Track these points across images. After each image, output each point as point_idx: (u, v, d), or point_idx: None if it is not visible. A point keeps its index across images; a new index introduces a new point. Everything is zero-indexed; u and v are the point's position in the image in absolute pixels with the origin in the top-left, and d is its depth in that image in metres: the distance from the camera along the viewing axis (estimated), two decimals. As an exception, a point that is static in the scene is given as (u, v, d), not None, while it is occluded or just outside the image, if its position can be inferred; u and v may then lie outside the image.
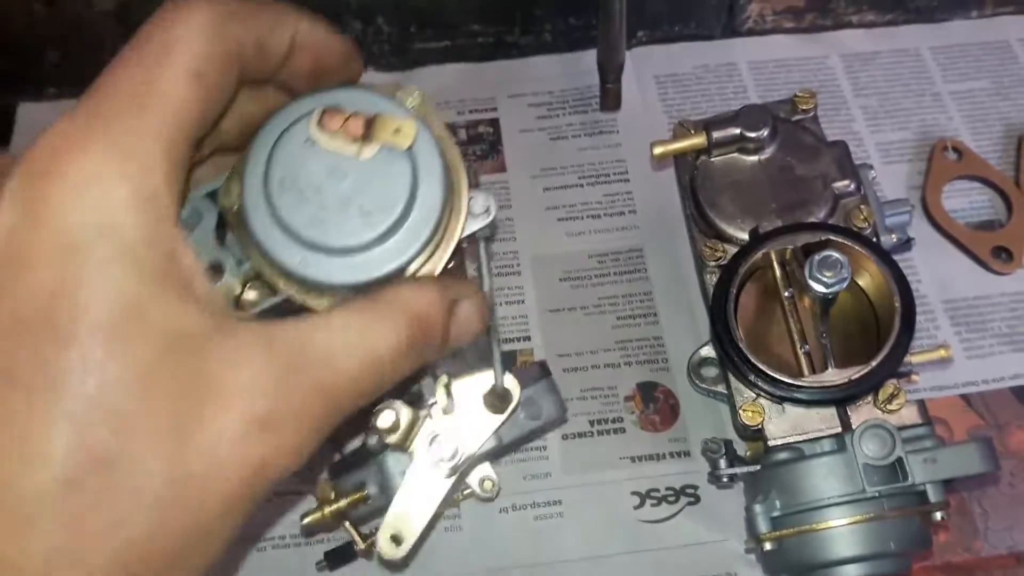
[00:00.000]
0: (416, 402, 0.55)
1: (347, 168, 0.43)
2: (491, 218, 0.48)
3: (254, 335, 0.36)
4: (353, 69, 0.46)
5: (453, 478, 0.54)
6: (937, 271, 0.79)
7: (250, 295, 0.46)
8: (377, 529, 0.59)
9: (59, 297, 0.32)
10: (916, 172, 0.84)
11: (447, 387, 0.54)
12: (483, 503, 0.68)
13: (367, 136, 0.43)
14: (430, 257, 0.45)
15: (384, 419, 0.50)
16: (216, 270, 0.46)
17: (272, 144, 0.44)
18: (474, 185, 0.49)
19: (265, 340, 0.36)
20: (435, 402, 0.54)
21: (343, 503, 0.57)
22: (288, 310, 0.46)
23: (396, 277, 0.45)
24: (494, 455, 0.62)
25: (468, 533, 0.69)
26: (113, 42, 0.85)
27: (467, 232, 0.47)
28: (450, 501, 0.65)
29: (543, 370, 0.60)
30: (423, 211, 0.44)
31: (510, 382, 0.54)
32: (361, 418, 0.58)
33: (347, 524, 0.60)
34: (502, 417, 0.54)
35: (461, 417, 0.54)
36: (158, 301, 0.34)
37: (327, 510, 0.58)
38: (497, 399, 0.54)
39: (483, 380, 0.54)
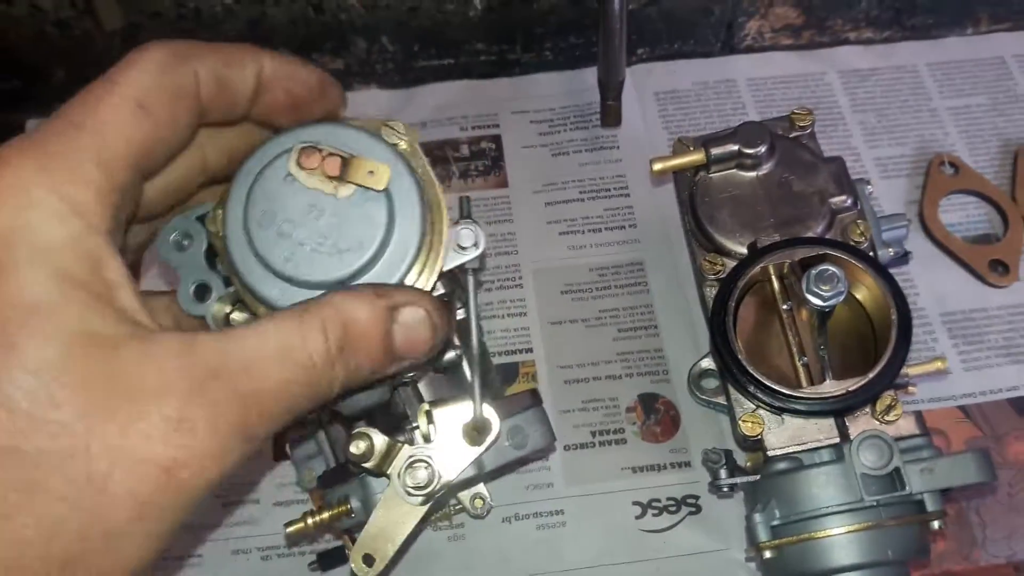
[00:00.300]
0: (399, 425, 0.56)
1: (324, 206, 0.45)
2: (479, 251, 0.49)
3: (173, 341, 0.36)
4: (331, 99, 0.47)
5: (427, 505, 0.54)
6: (935, 284, 0.80)
7: (237, 316, 0.48)
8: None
9: None
10: (914, 187, 0.85)
11: (428, 413, 0.54)
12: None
13: (343, 176, 0.45)
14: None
15: (356, 446, 0.51)
16: (205, 290, 0.48)
17: (253, 179, 0.45)
18: (467, 215, 0.51)
19: (184, 346, 0.36)
20: (417, 426, 0.55)
21: (326, 515, 0.58)
22: None
23: None
24: (474, 483, 0.63)
25: (471, 543, 0.69)
26: (120, 60, 0.86)
27: (450, 265, 0.49)
28: (426, 524, 0.66)
29: (534, 398, 0.60)
30: (398, 249, 0.45)
31: (490, 414, 0.55)
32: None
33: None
34: (479, 449, 0.54)
35: (440, 445, 0.54)
36: (70, 303, 0.35)
37: (310, 521, 0.59)
38: (476, 431, 0.54)
39: (464, 410, 0.55)
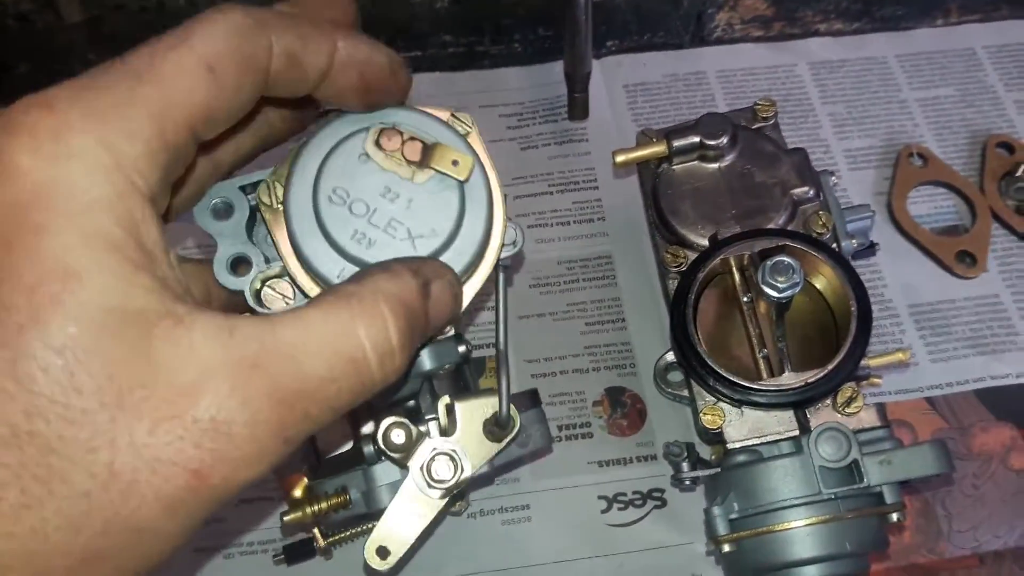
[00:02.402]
0: (413, 418, 0.55)
1: (400, 189, 0.44)
2: (517, 249, 0.50)
3: (212, 325, 0.33)
4: (400, 83, 0.45)
5: (446, 499, 0.53)
6: (902, 276, 0.80)
7: (268, 292, 0.47)
8: (338, 530, 0.59)
9: (5, 255, 0.31)
10: (882, 178, 0.85)
11: (449, 407, 0.54)
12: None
13: (423, 162, 0.44)
14: (464, 283, 0.46)
15: (398, 435, 0.50)
16: (242, 263, 0.46)
17: (325, 154, 0.45)
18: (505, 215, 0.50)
19: (224, 332, 0.33)
20: (434, 418, 0.54)
21: (324, 505, 0.57)
22: None
23: None
24: (483, 482, 0.63)
25: (437, 538, 0.69)
26: (83, 53, 0.86)
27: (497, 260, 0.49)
28: (440, 521, 0.66)
29: (533, 399, 0.60)
30: (466, 240, 0.45)
31: (514, 412, 0.54)
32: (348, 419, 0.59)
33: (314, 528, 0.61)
34: (500, 445, 0.54)
35: (460, 440, 0.53)
36: (105, 272, 0.32)
37: (308, 510, 0.57)
38: (498, 428, 0.54)
39: (484, 405, 0.54)
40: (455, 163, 0.45)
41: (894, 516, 0.56)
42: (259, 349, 0.34)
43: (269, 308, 0.47)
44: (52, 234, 0.31)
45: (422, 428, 0.53)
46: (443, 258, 0.45)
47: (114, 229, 0.32)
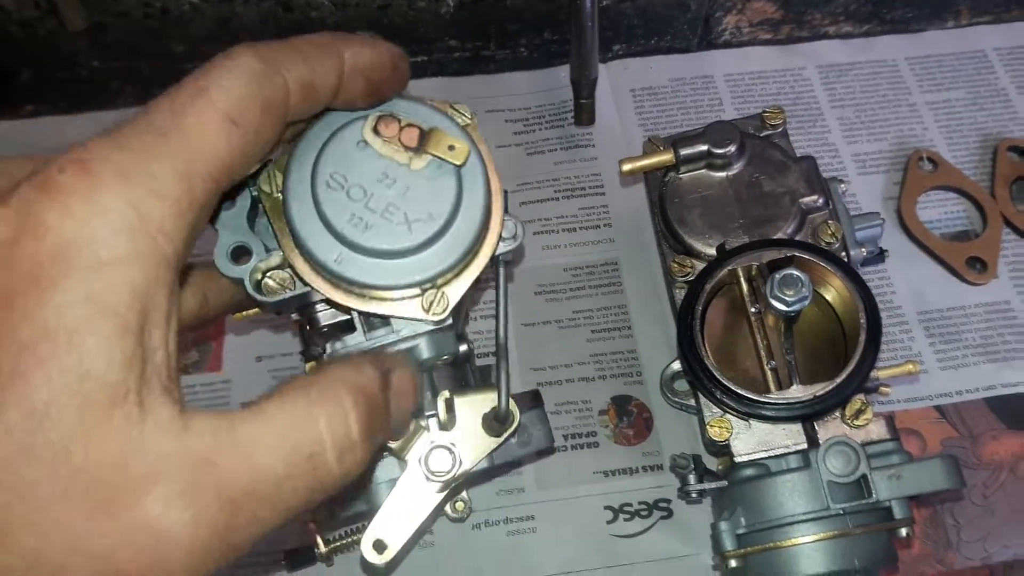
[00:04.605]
0: (416, 413, 0.55)
1: (397, 175, 0.45)
2: (517, 243, 0.50)
3: (169, 414, 0.32)
4: (402, 74, 0.46)
5: (444, 493, 0.53)
6: (912, 282, 0.79)
7: (270, 283, 0.47)
8: (340, 536, 0.59)
9: (6, 312, 0.30)
10: (892, 183, 0.84)
11: (449, 402, 0.53)
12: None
13: (420, 147, 0.45)
14: (459, 274, 0.47)
15: None
16: (243, 252, 0.47)
17: (323, 142, 0.45)
18: (504, 209, 0.51)
19: (178, 424, 0.32)
20: (434, 414, 0.54)
21: None
22: (304, 305, 0.49)
23: (425, 288, 0.46)
24: (482, 478, 0.63)
25: (441, 549, 0.68)
26: (86, 60, 0.85)
27: (495, 253, 0.49)
28: (437, 516, 0.65)
29: (536, 399, 0.60)
30: (463, 227, 0.46)
31: (513, 407, 0.54)
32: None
33: (312, 527, 0.60)
34: (499, 440, 0.54)
35: (459, 434, 0.54)
36: (92, 333, 0.31)
37: None
38: (497, 422, 0.54)
39: (484, 400, 0.54)
40: (451, 148, 0.45)
41: (903, 531, 0.56)
42: (212, 444, 0.32)
43: (268, 297, 0.47)
44: (58, 291, 0.31)
45: (421, 422, 0.53)
46: (440, 244, 0.45)
47: (122, 290, 0.32)
